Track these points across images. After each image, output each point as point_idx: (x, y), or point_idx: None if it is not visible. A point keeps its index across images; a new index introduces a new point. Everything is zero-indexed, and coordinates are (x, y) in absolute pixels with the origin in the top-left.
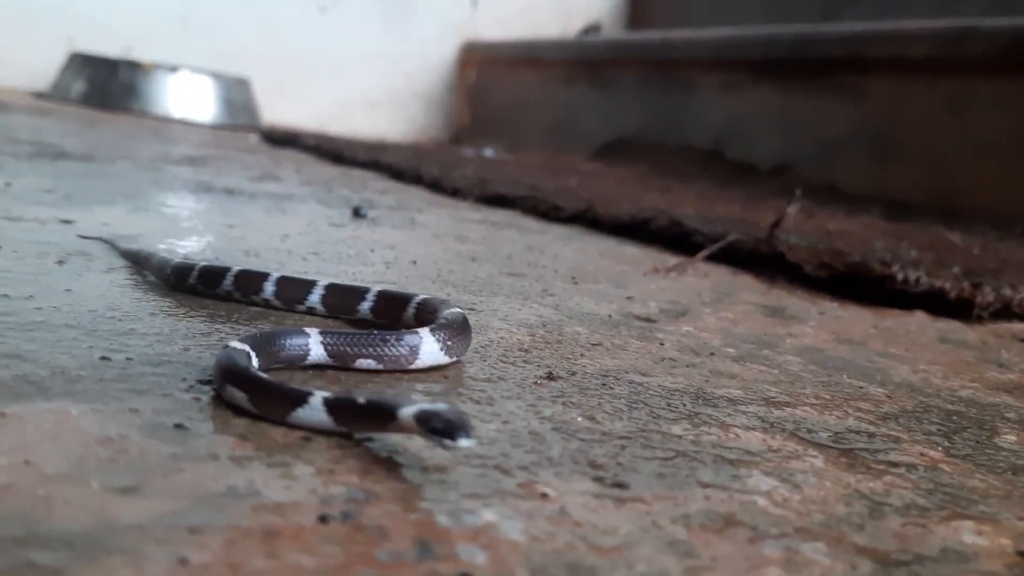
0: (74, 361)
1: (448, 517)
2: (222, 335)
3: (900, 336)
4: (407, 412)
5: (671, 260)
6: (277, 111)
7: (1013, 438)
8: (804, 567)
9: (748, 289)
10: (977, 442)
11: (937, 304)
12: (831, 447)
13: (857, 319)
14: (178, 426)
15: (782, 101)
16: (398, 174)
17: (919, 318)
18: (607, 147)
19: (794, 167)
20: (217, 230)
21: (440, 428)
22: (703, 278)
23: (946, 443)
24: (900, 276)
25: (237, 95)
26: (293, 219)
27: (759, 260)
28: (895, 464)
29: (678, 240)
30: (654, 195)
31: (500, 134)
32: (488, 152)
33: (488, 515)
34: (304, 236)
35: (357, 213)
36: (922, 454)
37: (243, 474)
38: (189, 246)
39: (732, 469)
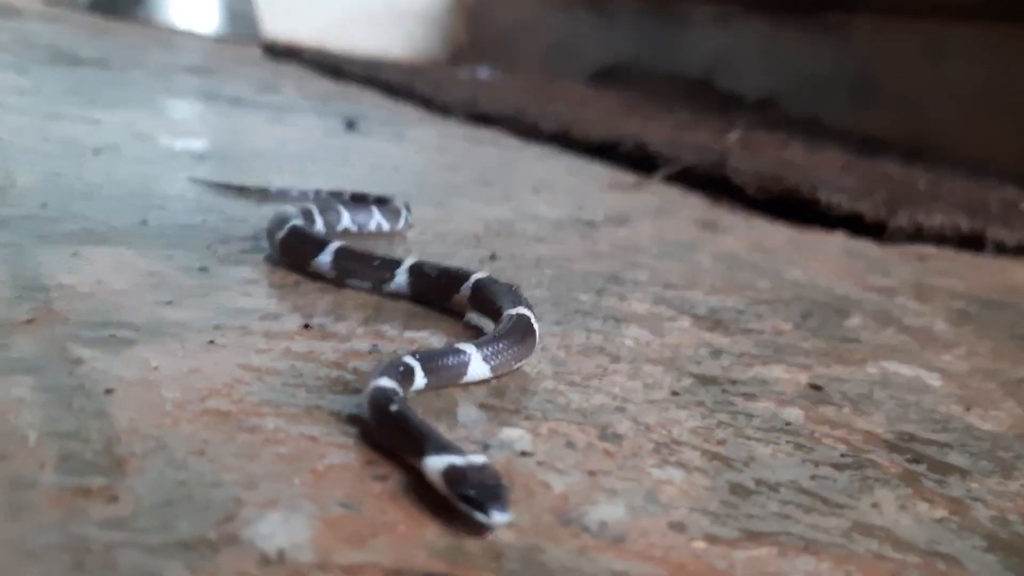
0: (121, 222)
1: (391, 326)
2: (234, 210)
3: (810, 248)
4: (435, 464)
5: (632, 180)
6: (279, 25)
7: (859, 321)
8: (641, 377)
9: (693, 206)
10: (827, 322)
11: (857, 226)
12: (703, 317)
13: (780, 234)
14: (202, 269)
15: (771, 35)
16: (392, 91)
17: (837, 237)
18: (601, 73)
19: (779, 100)
20: (225, 134)
21: (472, 497)
22: (655, 195)
23: (799, 320)
24: (824, 200)
25: (240, 7)
26: (291, 128)
27: (711, 183)
28: (748, 330)
29: (643, 162)
30: (636, 121)
31: (497, 56)
32: (482, 73)
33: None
34: (301, 143)
35: (350, 126)
36: (774, 326)
37: (250, 299)
38: (203, 145)
39: (615, 323)
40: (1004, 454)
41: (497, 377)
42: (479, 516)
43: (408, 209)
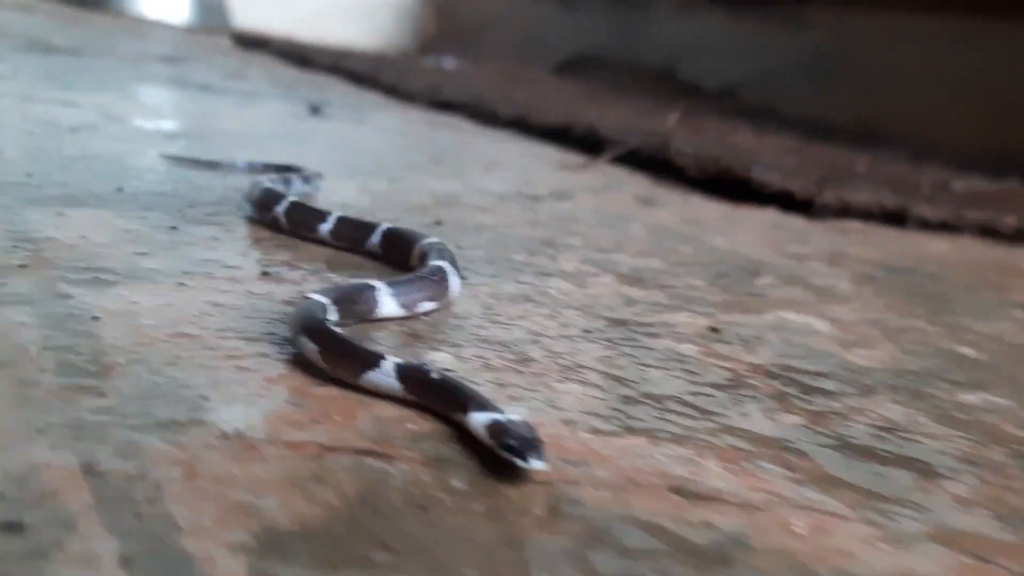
0: (99, 189)
1: (337, 275)
2: (203, 181)
3: (739, 222)
4: (479, 419)
5: (581, 161)
6: (250, 16)
7: (767, 280)
8: (559, 318)
9: (635, 185)
10: (738, 280)
11: (788, 203)
12: (625, 275)
13: (713, 210)
14: (172, 227)
15: (731, 26)
16: (358, 79)
17: (768, 212)
18: (568, 63)
19: (738, 90)
20: (194, 116)
21: (514, 447)
22: (602, 175)
23: (713, 278)
24: (757, 178)
25: None
26: (258, 112)
27: (655, 164)
28: (663, 285)
29: (594, 146)
30: (595, 109)
31: (467, 47)
32: (447, 63)
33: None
34: (266, 125)
35: (314, 110)
36: (688, 283)
37: (216, 252)
38: (173, 126)
39: (543, 277)
40: (869, 381)
41: (412, 316)
42: (519, 462)
43: (316, 179)
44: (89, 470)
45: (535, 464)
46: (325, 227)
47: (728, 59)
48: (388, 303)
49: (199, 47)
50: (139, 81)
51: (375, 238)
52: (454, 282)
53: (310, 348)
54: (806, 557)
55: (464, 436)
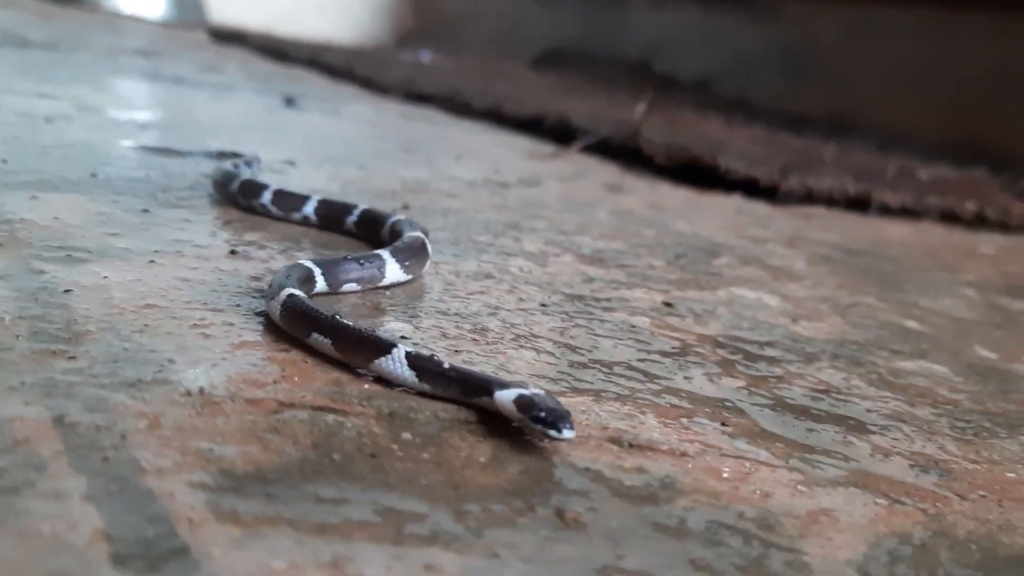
0: (73, 175)
1: (303, 253)
2: (174, 167)
3: (704, 207)
4: (506, 396)
5: (552, 150)
6: (227, 11)
7: (725, 260)
8: (518, 293)
9: (604, 173)
10: (696, 261)
11: (754, 190)
12: (586, 255)
13: (680, 196)
14: (144, 210)
15: (705, 19)
16: (334, 73)
17: (734, 199)
18: (545, 57)
19: (712, 82)
20: (168, 107)
21: (545, 418)
22: (572, 163)
23: (672, 259)
24: (723, 166)
25: None
26: (232, 104)
27: (625, 153)
28: (623, 265)
29: (566, 135)
30: (570, 100)
31: (444, 41)
32: (424, 56)
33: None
34: (240, 117)
35: (289, 102)
36: (647, 263)
37: (186, 233)
38: (147, 116)
39: (505, 256)
40: (811, 350)
41: (376, 288)
42: (552, 433)
43: (256, 163)
44: (59, 422)
45: (567, 434)
46: (308, 209)
47: (702, 52)
48: (320, 282)
49: (175, 42)
50: (114, 74)
51: (352, 218)
52: (390, 266)
53: (324, 343)
54: (728, 498)
55: (419, 396)
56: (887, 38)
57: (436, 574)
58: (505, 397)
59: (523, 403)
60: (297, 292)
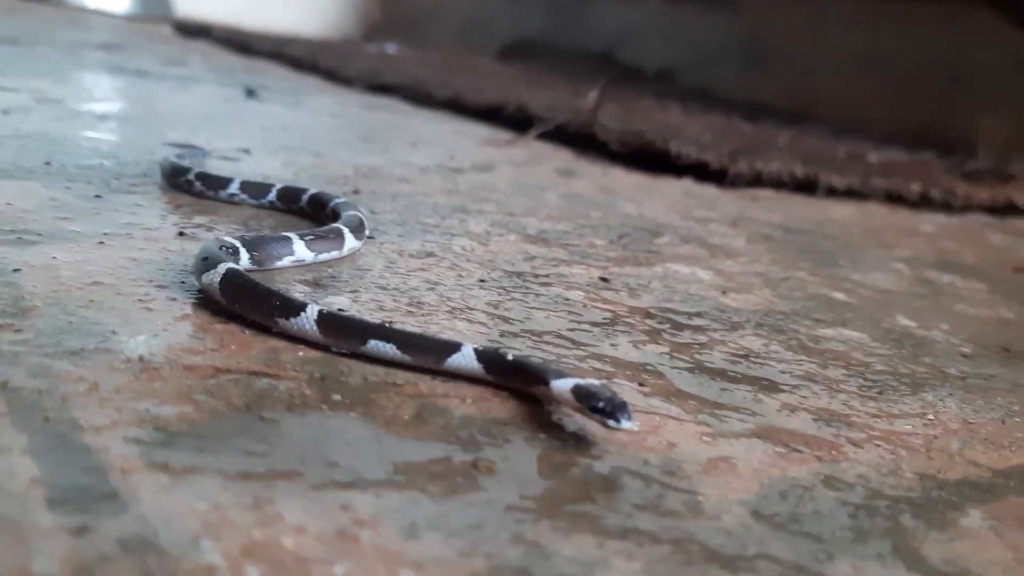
0: (28, 163)
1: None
2: (127, 156)
3: (654, 190)
4: (563, 385)
5: (509, 137)
6: (193, 4)
7: (666, 239)
8: (458, 270)
9: (559, 159)
10: (638, 240)
11: (705, 174)
12: (530, 235)
13: (631, 180)
14: (97, 196)
15: (668, 11)
16: (298, 65)
17: (684, 182)
18: (511, 48)
19: (675, 72)
20: (128, 99)
21: (603, 408)
22: (528, 150)
23: (614, 238)
24: (675, 150)
25: None
26: (193, 96)
27: (581, 140)
28: (566, 244)
29: (524, 124)
30: (533, 90)
31: (411, 33)
32: (390, 48)
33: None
34: (200, 108)
35: (250, 93)
36: (590, 242)
37: (137, 217)
38: (106, 108)
39: (450, 236)
40: (737, 319)
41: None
42: (611, 423)
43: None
44: (3, 387)
45: (626, 424)
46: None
47: (665, 43)
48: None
49: (139, 35)
50: (75, 68)
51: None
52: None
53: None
54: (635, 448)
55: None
56: (842, 28)
57: (351, 513)
58: (562, 386)
59: (581, 393)
60: (241, 269)
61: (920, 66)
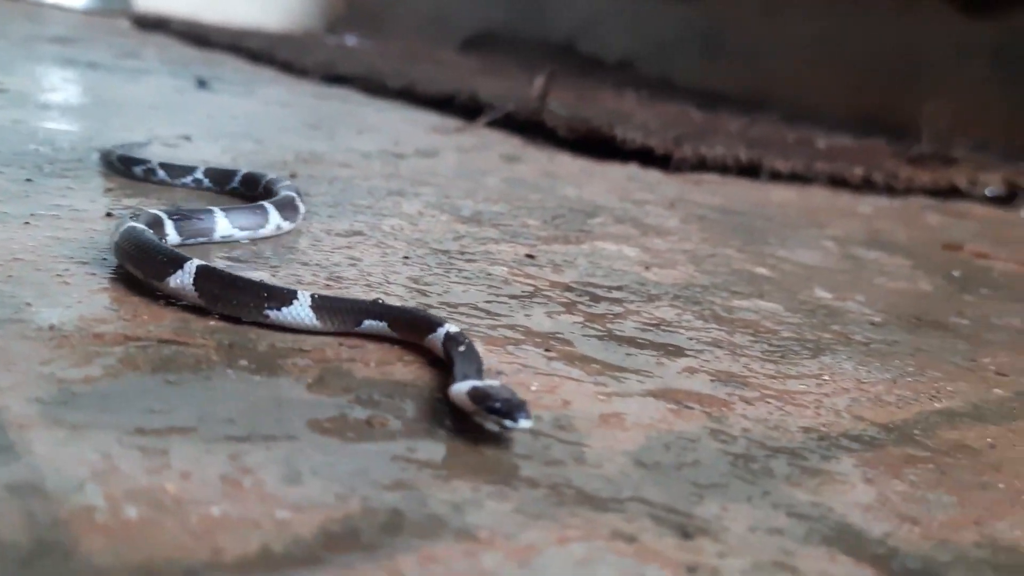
0: None
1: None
2: (63, 142)
3: (597, 175)
4: (459, 388)
5: (458, 124)
6: None
7: (600, 220)
8: (383, 248)
9: (507, 145)
10: (572, 220)
11: (652, 159)
12: (464, 216)
13: (576, 165)
14: (28, 180)
15: (628, 2)
16: (255, 57)
17: (630, 167)
18: (473, 40)
19: (635, 63)
20: (75, 90)
21: (500, 409)
22: (477, 137)
23: (548, 219)
24: (620, 136)
25: None
26: (144, 87)
27: (531, 127)
28: (499, 224)
29: (476, 112)
30: (490, 80)
31: (374, 26)
32: (350, 41)
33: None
34: (148, 97)
35: (201, 84)
36: (523, 222)
37: (66, 200)
38: (55, 98)
39: (381, 217)
40: (655, 292)
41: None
42: (507, 423)
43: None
44: None
45: (523, 423)
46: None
47: (625, 33)
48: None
49: (95, 29)
50: (26, 60)
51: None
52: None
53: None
54: (530, 406)
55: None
56: (798, 17)
57: (239, 462)
58: (459, 389)
59: (477, 394)
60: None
61: (872, 54)
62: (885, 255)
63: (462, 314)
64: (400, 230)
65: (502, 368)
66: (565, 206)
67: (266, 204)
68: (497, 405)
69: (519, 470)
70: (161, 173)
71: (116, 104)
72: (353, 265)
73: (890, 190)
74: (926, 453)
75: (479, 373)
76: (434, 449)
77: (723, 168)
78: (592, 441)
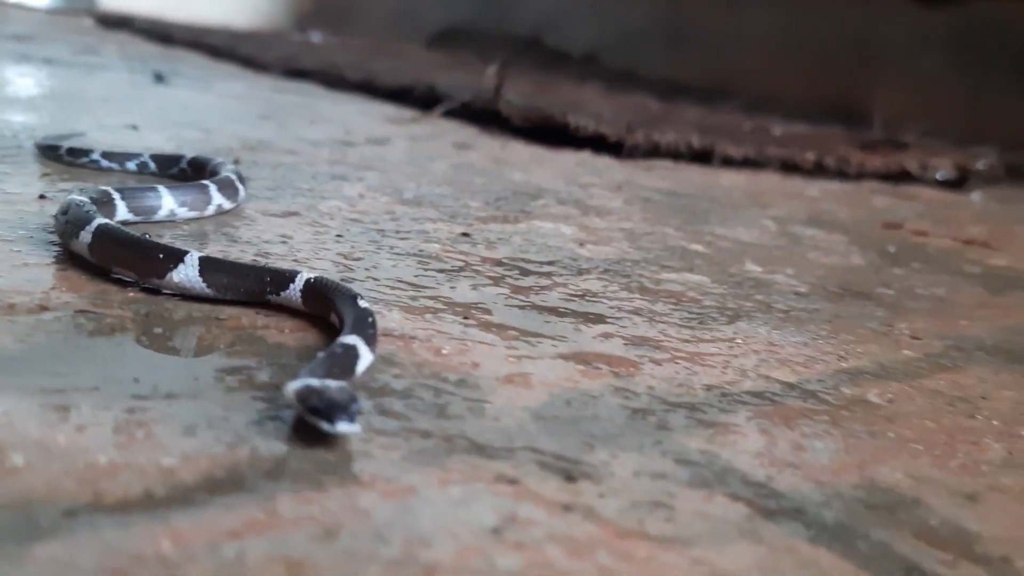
0: None
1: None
2: (7, 131)
3: (548, 161)
4: (291, 386)
5: (413, 115)
6: None
7: (543, 202)
8: (317, 227)
9: (460, 134)
10: (514, 202)
11: (604, 146)
12: (405, 199)
13: (528, 152)
14: None
15: None
16: (217, 53)
17: (582, 154)
18: (440, 35)
19: (600, 55)
20: (26, 84)
21: (319, 409)
22: (431, 127)
23: (491, 200)
24: (573, 124)
25: None
26: (100, 82)
27: (488, 117)
28: (438, 206)
29: (433, 103)
30: (451, 73)
31: (342, 22)
32: (315, 37)
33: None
34: (102, 91)
35: (158, 79)
36: (464, 204)
37: (1, 184)
38: (7, 92)
39: (320, 200)
40: (586, 267)
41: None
42: (324, 425)
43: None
44: None
45: (342, 427)
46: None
47: (590, 26)
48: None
49: (57, 27)
50: None
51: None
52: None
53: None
54: (438, 367)
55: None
56: (758, 8)
57: (136, 416)
58: (290, 387)
59: (304, 393)
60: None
61: (831, 43)
62: (823, 232)
63: (386, 286)
64: (338, 211)
65: (415, 335)
66: (510, 189)
67: (207, 183)
68: (318, 405)
69: (415, 423)
70: (104, 162)
71: (67, 97)
72: (283, 243)
73: (842, 175)
74: (823, 407)
75: (340, 371)
76: None
77: (676, 155)
78: (494, 398)
